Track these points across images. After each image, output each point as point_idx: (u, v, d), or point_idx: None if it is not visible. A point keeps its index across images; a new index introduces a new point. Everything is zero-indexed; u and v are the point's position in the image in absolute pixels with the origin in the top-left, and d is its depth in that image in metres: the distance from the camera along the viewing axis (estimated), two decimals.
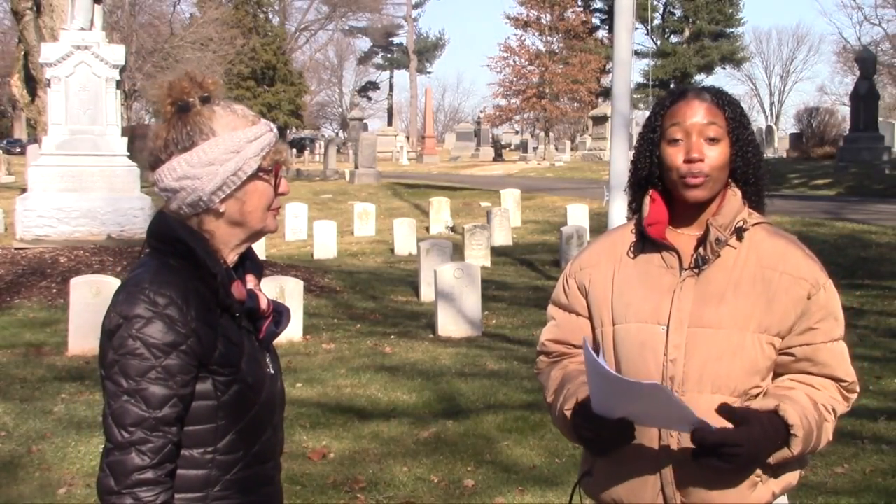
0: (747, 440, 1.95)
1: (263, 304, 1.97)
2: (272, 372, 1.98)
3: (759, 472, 2.06)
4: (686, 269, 2.14)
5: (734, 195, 2.16)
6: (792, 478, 2.15)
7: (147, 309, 1.78)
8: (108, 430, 1.79)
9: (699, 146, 2.11)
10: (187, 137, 1.86)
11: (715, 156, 2.12)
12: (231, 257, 1.94)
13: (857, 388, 2.17)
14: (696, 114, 2.13)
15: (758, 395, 2.10)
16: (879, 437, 6.07)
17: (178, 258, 1.86)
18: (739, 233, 2.14)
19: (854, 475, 5.39)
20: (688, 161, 2.11)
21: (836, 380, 2.13)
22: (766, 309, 2.09)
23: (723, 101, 2.17)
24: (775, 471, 2.09)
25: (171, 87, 1.88)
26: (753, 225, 2.16)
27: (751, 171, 2.18)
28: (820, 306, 2.11)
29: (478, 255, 15.52)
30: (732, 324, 2.08)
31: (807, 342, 2.11)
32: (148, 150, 1.91)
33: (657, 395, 1.94)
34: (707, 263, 2.13)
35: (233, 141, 1.87)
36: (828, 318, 2.12)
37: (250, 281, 1.98)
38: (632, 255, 2.22)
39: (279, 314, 2.01)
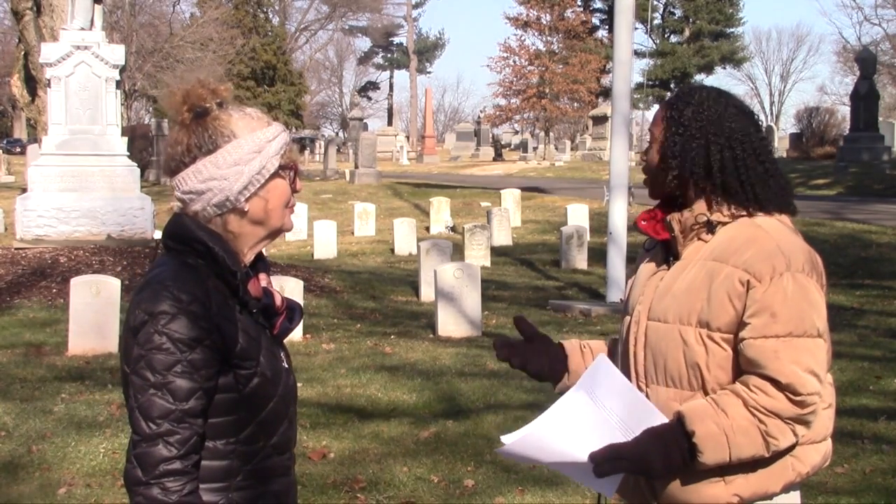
0: (630, 451, 2.02)
1: (278, 301, 2.05)
2: (286, 366, 2.05)
3: (715, 470, 2.07)
4: (663, 264, 2.24)
5: (703, 191, 2.18)
6: (762, 484, 2.08)
7: (172, 305, 1.84)
8: (135, 422, 1.84)
9: (646, 149, 2.26)
10: (210, 141, 1.93)
11: (649, 158, 2.23)
12: (249, 256, 2.01)
13: (804, 391, 2.00)
14: (652, 119, 2.29)
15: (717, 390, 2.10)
16: (879, 437, 6.07)
17: (195, 257, 1.93)
18: (710, 226, 2.15)
19: (854, 475, 5.39)
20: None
21: (771, 380, 2.01)
22: (706, 303, 2.08)
23: (669, 104, 2.21)
24: (723, 469, 2.06)
25: (188, 94, 1.94)
26: (738, 218, 2.14)
27: (689, 169, 2.15)
28: (755, 300, 2.03)
29: (478, 255, 15.52)
30: (676, 318, 2.12)
31: (742, 337, 2.05)
32: (167, 157, 1.97)
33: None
34: (678, 258, 2.19)
35: (255, 141, 1.95)
36: (761, 312, 2.02)
37: (263, 279, 2.04)
38: (648, 251, 2.35)
39: (292, 310, 2.10)
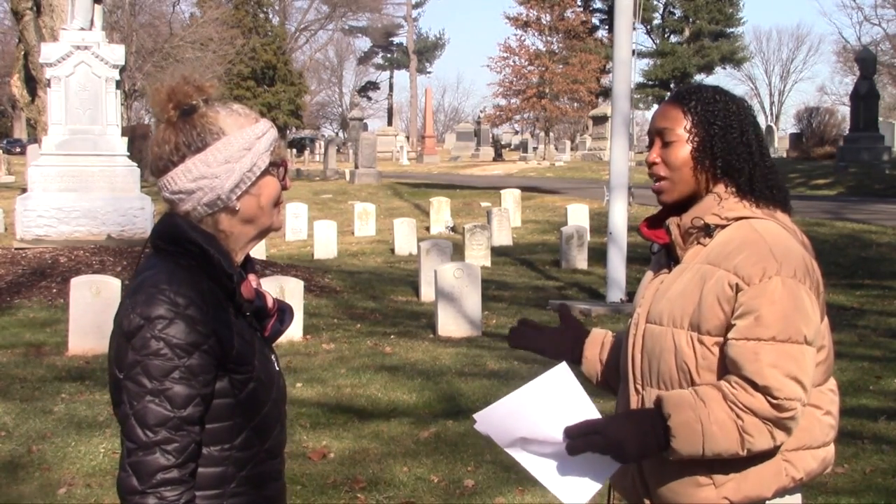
0: (605, 426, 2.03)
1: (270, 303, 2.01)
2: (277, 369, 2.02)
3: (704, 472, 2.06)
4: (665, 268, 2.23)
5: (711, 193, 2.14)
6: (753, 488, 2.07)
7: (169, 310, 1.79)
8: (130, 430, 1.79)
9: (655, 150, 2.17)
10: (199, 139, 1.89)
11: (670, 158, 2.14)
12: (240, 257, 1.97)
13: (781, 395, 1.97)
14: (655, 118, 2.20)
15: None
16: (879, 437, 6.07)
17: (188, 259, 1.87)
18: (707, 230, 2.12)
19: (854, 475, 5.39)
20: (648, 165, 2.19)
21: (750, 381, 1.98)
22: (697, 306, 2.07)
23: (687, 100, 2.15)
24: (713, 472, 2.05)
25: (173, 91, 1.89)
26: (737, 220, 2.10)
27: (724, 164, 2.12)
28: (741, 302, 2.01)
29: (478, 255, 15.52)
30: (669, 321, 2.11)
31: (727, 338, 2.03)
32: (155, 156, 1.92)
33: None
34: (678, 261, 2.18)
35: (245, 138, 1.91)
36: (746, 315, 2.00)
37: (254, 280, 2.00)
38: (654, 254, 2.33)
39: (283, 312, 2.05)
